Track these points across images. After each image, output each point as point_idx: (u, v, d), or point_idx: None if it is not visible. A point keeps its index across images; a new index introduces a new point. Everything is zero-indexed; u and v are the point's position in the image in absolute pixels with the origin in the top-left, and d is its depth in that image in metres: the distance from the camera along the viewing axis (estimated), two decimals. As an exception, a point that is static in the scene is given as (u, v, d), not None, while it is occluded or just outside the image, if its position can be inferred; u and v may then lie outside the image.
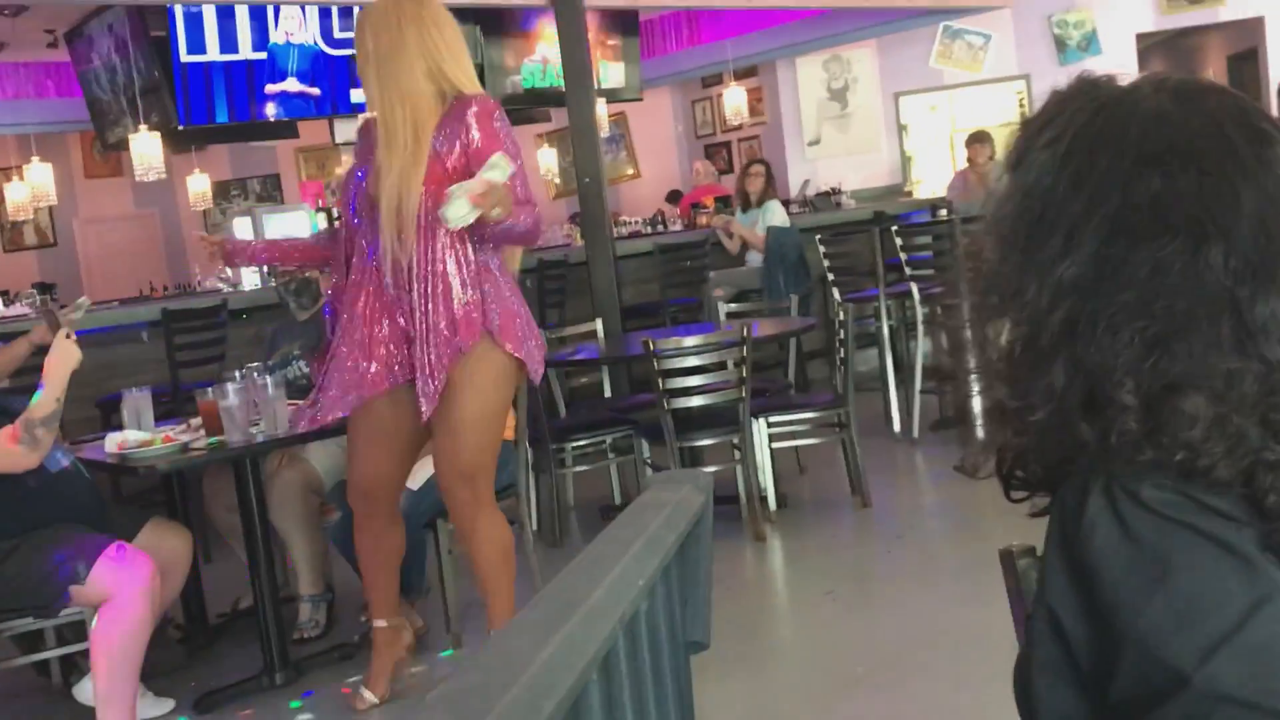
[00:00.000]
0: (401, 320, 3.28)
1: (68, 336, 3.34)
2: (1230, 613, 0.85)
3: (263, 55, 8.44)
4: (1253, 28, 11.00)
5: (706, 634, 1.38)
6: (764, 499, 4.99)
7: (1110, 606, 0.89)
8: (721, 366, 4.83)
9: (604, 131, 9.03)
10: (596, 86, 7.32)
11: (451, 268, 3.23)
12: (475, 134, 3.23)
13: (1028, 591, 1.28)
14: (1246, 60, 11.55)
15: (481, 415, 3.33)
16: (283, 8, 8.15)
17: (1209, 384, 0.90)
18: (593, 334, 5.85)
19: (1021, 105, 11.56)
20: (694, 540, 1.36)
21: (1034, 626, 0.97)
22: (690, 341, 4.81)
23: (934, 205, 9.07)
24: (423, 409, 3.26)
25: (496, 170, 3.07)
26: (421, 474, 3.94)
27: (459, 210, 3.01)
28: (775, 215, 8.00)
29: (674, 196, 11.36)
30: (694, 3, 7.48)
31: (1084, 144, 0.98)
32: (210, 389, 3.65)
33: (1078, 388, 0.94)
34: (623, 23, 9.29)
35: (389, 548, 3.53)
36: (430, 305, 3.22)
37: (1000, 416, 1.03)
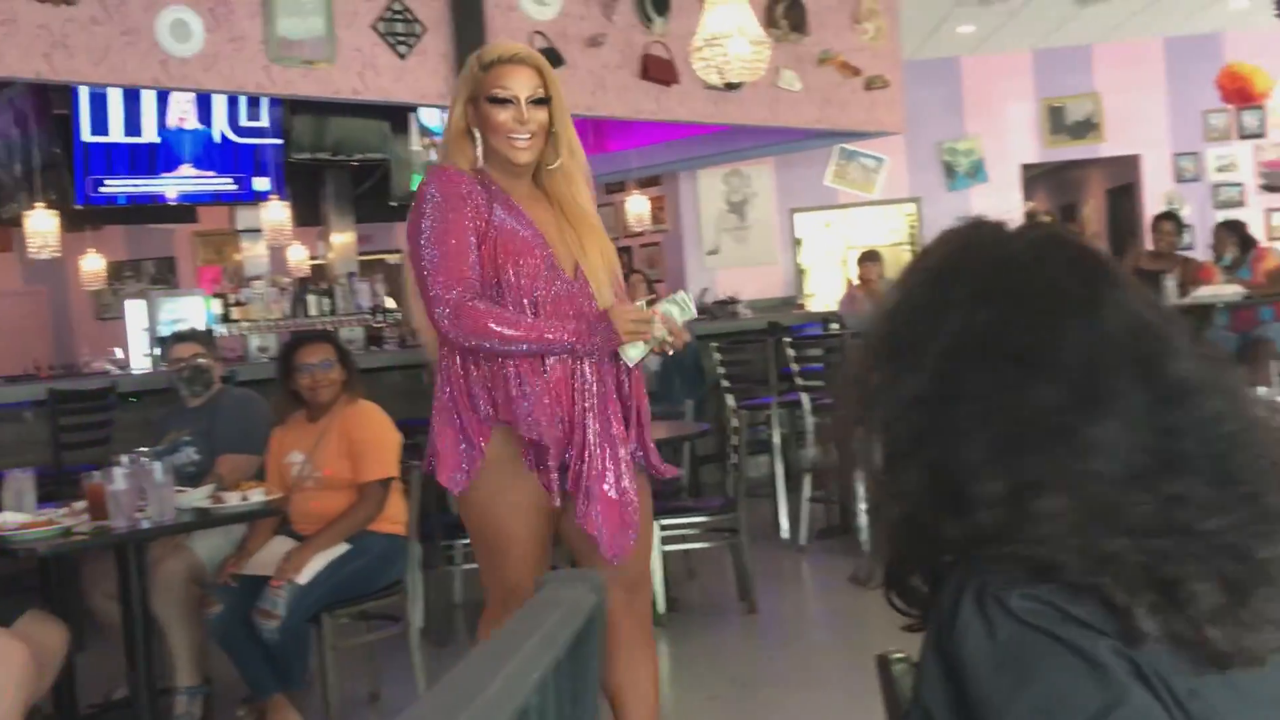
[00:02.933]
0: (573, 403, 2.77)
1: None
2: (1083, 716, 0.93)
3: (162, 140, 8.42)
4: (1130, 164, 11.59)
5: (594, 732, 1.41)
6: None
7: (979, 704, 0.97)
8: (615, 469, 4.88)
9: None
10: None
11: None
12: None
13: (902, 696, 1.35)
14: (1124, 194, 12.14)
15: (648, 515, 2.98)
16: (173, 95, 8.15)
17: (1063, 486, 0.98)
18: (488, 431, 5.85)
19: (912, 227, 11.98)
20: (585, 639, 1.40)
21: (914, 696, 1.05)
22: (585, 443, 4.85)
23: (825, 319, 9.32)
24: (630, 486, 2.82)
25: (677, 307, 2.80)
26: (309, 569, 3.91)
27: (638, 353, 2.78)
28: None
29: (574, 298, 11.45)
30: (601, 114, 7.66)
31: (944, 275, 1.10)
32: (97, 472, 3.59)
33: (938, 487, 1.03)
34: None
35: None
36: (636, 388, 2.89)
37: (877, 521, 1.12)
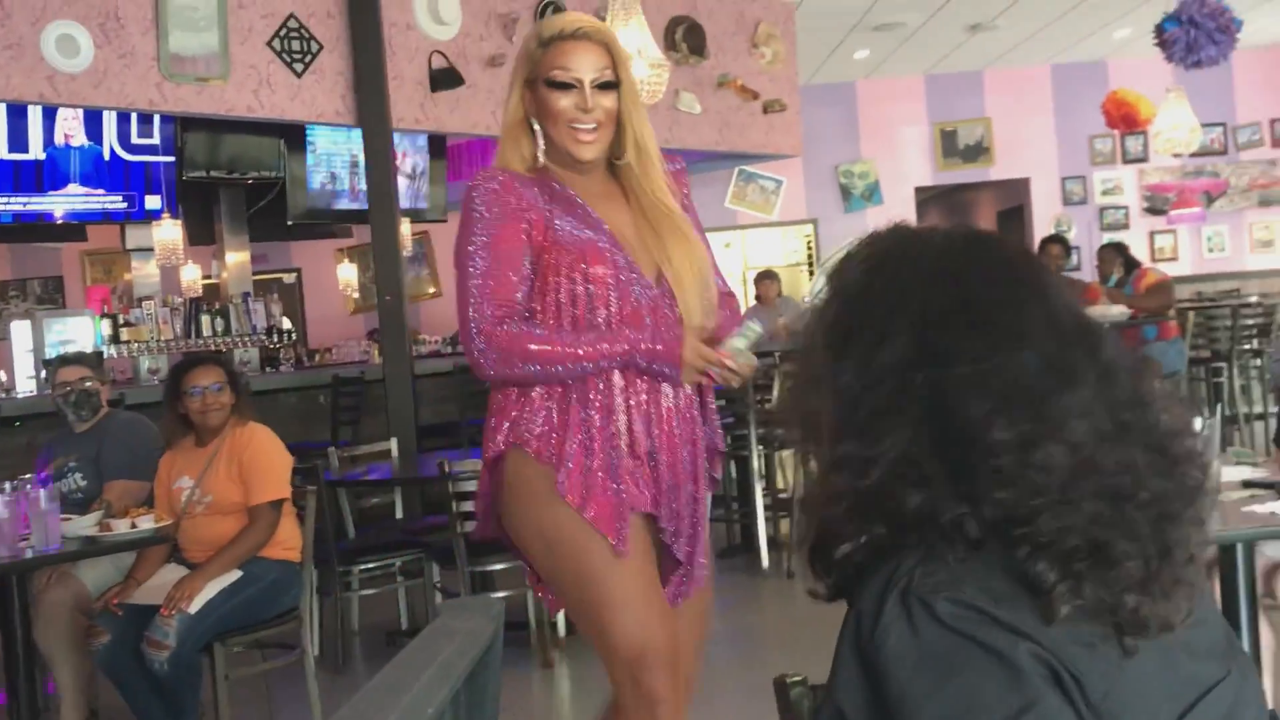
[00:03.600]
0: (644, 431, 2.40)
1: None
2: (996, 718, 0.97)
3: (48, 157, 8.20)
4: (1019, 187, 11.90)
5: (492, 762, 1.40)
6: (554, 625, 4.99)
7: (895, 703, 1.00)
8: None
9: (406, 250, 9.05)
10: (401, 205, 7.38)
11: None
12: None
13: (800, 718, 1.36)
14: (1014, 216, 12.46)
15: None
16: (60, 111, 7.95)
17: (1059, 439, 1.06)
18: (387, 453, 5.79)
19: (809, 247, 12.15)
20: (483, 668, 1.39)
21: (820, 718, 1.07)
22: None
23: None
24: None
25: (745, 340, 2.38)
26: (200, 597, 3.81)
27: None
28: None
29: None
30: (500, 133, 7.63)
31: (890, 262, 1.18)
32: (-24, 501, 3.47)
33: (905, 455, 1.09)
34: (431, 146, 9.40)
35: None
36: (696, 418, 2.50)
37: (815, 500, 1.18)
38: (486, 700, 1.41)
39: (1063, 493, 1.05)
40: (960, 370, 1.09)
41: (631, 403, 2.37)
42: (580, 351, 2.30)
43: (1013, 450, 1.06)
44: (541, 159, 2.42)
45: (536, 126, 2.40)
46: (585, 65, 2.35)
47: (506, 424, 2.38)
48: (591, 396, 2.35)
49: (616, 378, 2.35)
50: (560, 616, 5.05)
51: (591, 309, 2.33)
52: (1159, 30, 6.98)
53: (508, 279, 2.31)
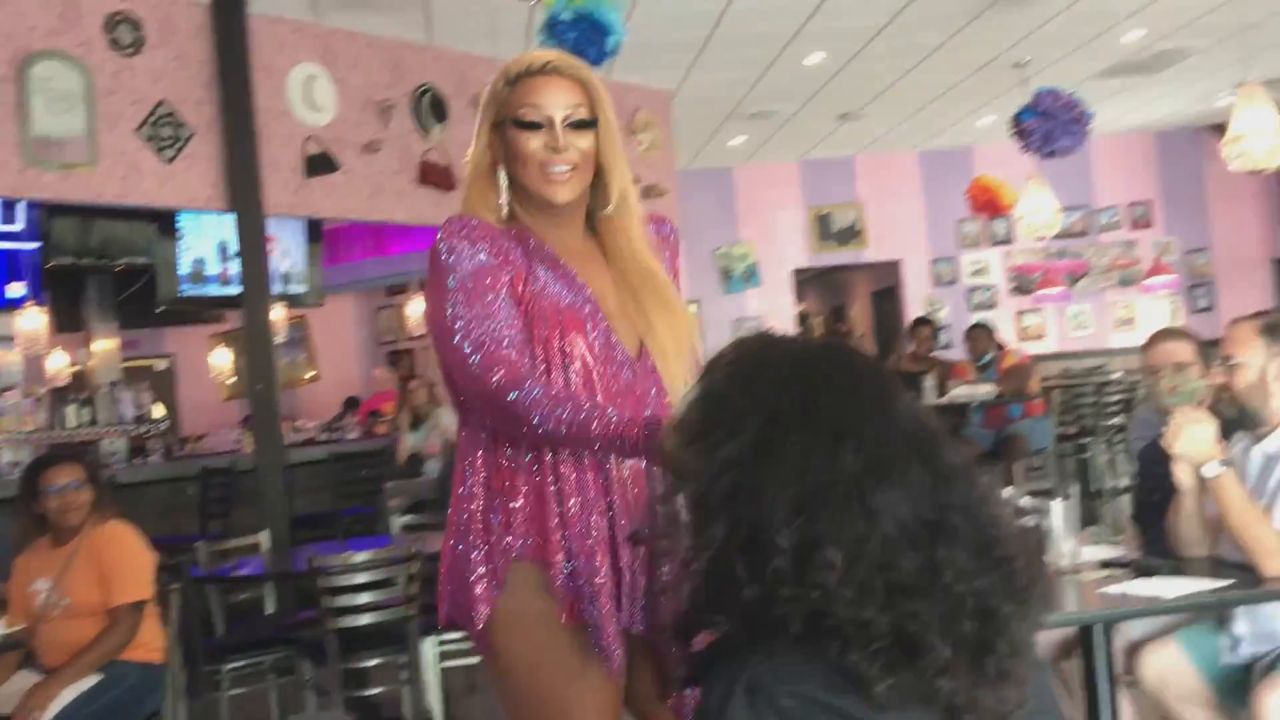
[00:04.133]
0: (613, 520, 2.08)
1: None
2: None
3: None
4: (892, 268, 12.21)
5: None
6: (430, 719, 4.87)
7: None
8: (391, 583, 4.76)
9: (281, 336, 8.91)
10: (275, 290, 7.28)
11: None
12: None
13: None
14: (887, 296, 12.77)
15: None
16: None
17: (844, 543, 1.14)
18: (258, 546, 5.64)
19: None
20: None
21: None
22: (359, 558, 4.72)
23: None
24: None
25: None
26: (56, 704, 3.65)
27: None
28: (447, 421, 8.09)
29: (352, 403, 11.25)
30: (379, 219, 7.61)
31: (751, 365, 1.29)
32: None
33: (736, 539, 1.18)
34: (307, 230, 9.32)
35: None
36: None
37: (676, 575, 1.27)
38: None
39: (857, 590, 1.12)
40: (778, 472, 1.18)
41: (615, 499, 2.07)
42: (610, 415, 1.91)
43: (789, 555, 1.14)
44: (505, 210, 2.13)
45: (505, 175, 2.12)
46: (556, 102, 2.08)
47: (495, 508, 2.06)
48: (574, 480, 2.04)
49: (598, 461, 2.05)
50: (438, 710, 4.94)
51: (568, 384, 2.05)
52: (1016, 121, 7.27)
53: (501, 330, 2.01)
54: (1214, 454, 2.91)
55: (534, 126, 2.08)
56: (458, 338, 2.00)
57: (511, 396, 1.93)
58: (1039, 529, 2.97)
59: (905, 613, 1.12)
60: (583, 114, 2.09)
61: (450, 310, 2.01)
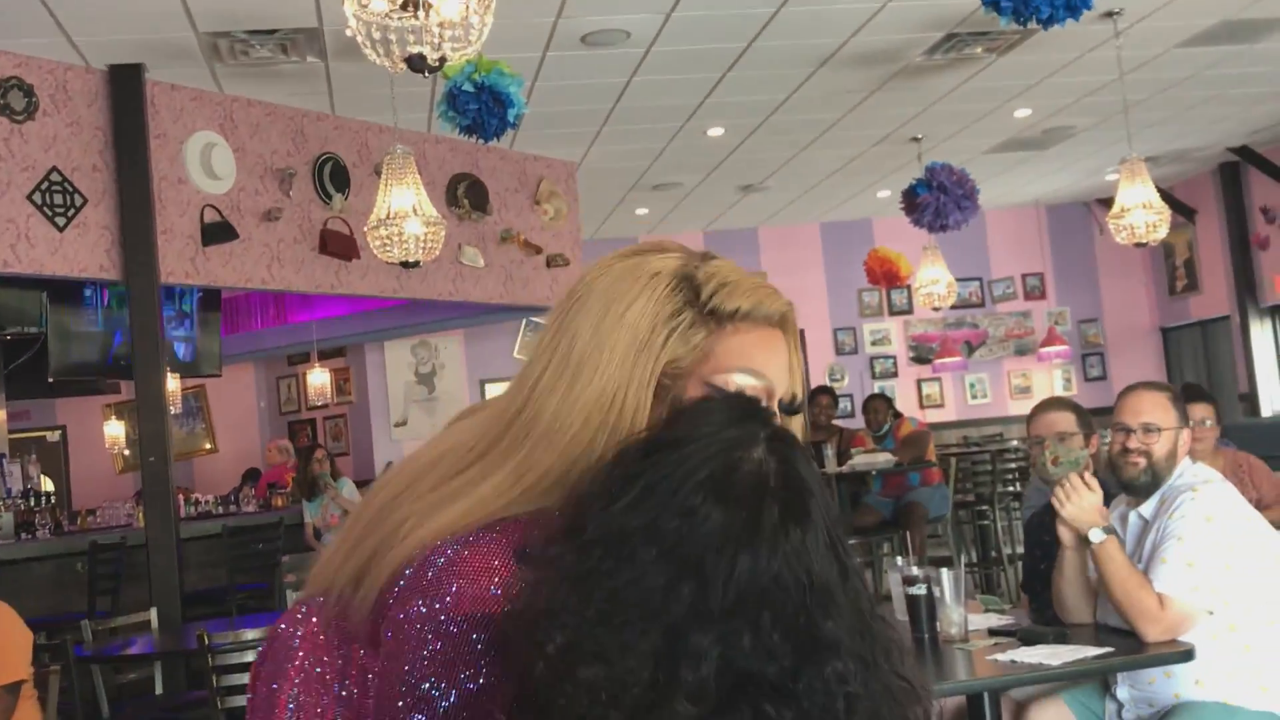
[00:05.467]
0: None
1: None
2: None
3: None
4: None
5: None
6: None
7: None
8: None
9: (176, 407, 8.73)
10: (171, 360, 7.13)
11: None
12: None
13: None
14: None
15: None
16: None
17: (610, 665, 0.99)
18: (147, 624, 5.47)
19: (597, 397, 12.26)
20: None
21: None
22: (251, 635, 4.60)
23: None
24: None
25: None
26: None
27: None
28: (349, 490, 7.96)
29: (251, 475, 11.04)
30: (277, 288, 7.52)
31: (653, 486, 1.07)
32: None
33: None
34: (205, 299, 9.18)
35: None
36: None
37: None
38: None
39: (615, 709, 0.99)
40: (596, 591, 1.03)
41: None
42: None
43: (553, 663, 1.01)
44: None
45: None
46: (779, 371, 1.29)
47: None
48: None
49: None
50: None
51: None
52: (911, 195, 7.45)
53: None
54: (1099, 521, 3.00)
55: None
56: None
57: None
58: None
59: None
60: (796, 393, 1.32)
61: None
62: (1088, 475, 3.10)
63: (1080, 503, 3.02)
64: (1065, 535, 3.08)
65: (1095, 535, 2.98)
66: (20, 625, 3.87)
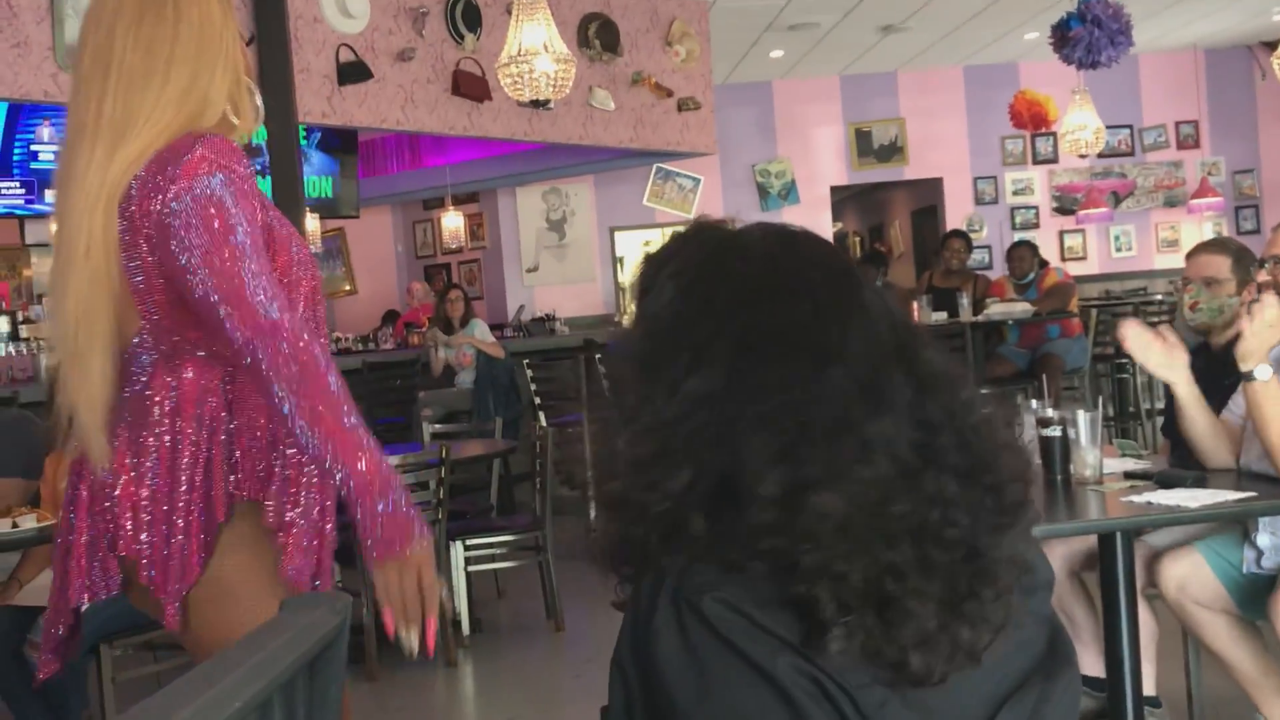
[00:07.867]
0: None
1: None
2: None
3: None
4: (933, 187, 12.03)
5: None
6: (457, 624, 4.95)
7: (667, 705, 0.98)
8: (423, 487, 4.80)
9: (316, 247, 8.93)
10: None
11: None
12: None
13: None
14: (927, 215, 12.60)
15: None
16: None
17: (840, 487, 0.97)
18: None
19: (727, 245, 12.17)
20: (324, 663, 1.36)
21: (610, 676, 1.05)
22: (391, 462, 4.75)
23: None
24: None
25: None
26: (87, 596, 3.71)
27: None
28: (481, 331, 8.12)
29: (390, 317, 11.30)
30: (411, 129, 7.56)
31: (705, 276, 1.08)
32: None
33: (702, 487, 1.01)
34: (342, 141, 9.29)
35: None
36: None
37: (615, 509, 1.10)
38: (329, 697, 1.38)
39: (847, 538, 0.96)
40: (757, 408, 1.00)
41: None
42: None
43: (777, 505, 0.98)
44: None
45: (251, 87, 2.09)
46: None
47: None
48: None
49: None
50: (465, 612, 5.01)
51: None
52: (1063, 27, 7.07)
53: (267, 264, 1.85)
54: (1264, 357, 2.79)
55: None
56: (251, 267, 1.82)
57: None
58: (1023, 441, 2.93)
59: (885, 565, 0.95)
60: None
61: (233, 248, 1.83)
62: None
63: (1264, 324, 2.73)
64: (1182, 386, 2.96)
65: (1262, 372, 2.79)
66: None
